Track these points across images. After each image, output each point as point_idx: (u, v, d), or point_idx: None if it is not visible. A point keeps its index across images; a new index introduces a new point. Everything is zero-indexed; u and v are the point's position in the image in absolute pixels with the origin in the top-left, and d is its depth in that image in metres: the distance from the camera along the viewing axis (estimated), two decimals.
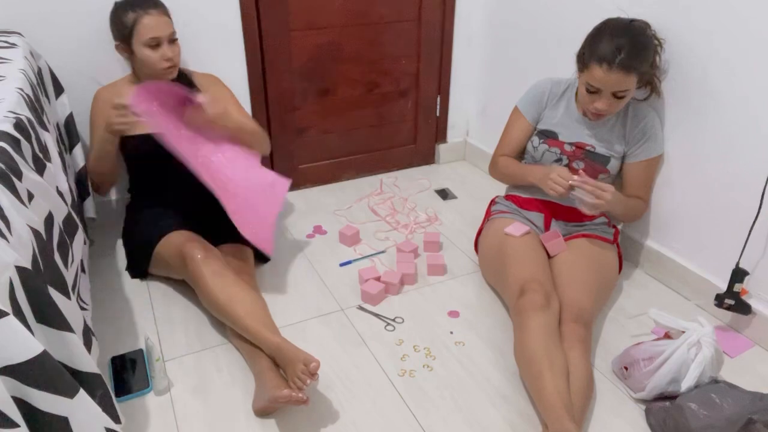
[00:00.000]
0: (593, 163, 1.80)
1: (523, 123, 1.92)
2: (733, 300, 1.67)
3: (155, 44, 1.80)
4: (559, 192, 1.68)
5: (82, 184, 1.89)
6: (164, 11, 1.83)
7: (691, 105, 1.76)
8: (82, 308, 1.37)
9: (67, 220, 1.38)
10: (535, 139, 1.88)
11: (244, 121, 1.95)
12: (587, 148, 1.81)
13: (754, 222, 1.61)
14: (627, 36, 1.61)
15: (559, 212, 1.86)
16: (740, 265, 1.65)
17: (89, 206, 1.92)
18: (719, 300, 1.68)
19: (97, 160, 1.88)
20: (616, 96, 1.65)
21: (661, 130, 1.82)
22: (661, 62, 1.75)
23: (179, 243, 1.73)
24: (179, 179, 1.89)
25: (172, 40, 1.85)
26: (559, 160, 1.84)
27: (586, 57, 1.66)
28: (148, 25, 1.78)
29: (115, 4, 1.84)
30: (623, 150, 1.81)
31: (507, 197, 1.99)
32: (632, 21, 1.67)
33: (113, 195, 2.26)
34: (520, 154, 1.97)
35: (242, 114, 2.05)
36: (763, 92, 1.57)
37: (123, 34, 1.81)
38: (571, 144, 1.82)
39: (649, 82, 1.77)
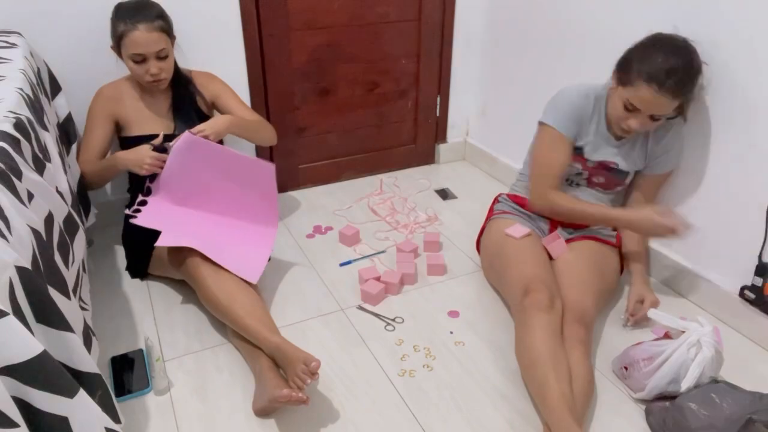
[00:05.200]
0: (613, 177, 1.79)
1: (566, 144, 1.73)
2: (753, 294, 1.66)
3: (140, 60, 1.80)
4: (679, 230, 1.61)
5: (84, 195, 1.89)
6: (158, 26, 1.78)
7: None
8: (83, 308, 1.37)
9: (68, 220, 1.38)
10: None
11: (246, 123, 1.99)
12: (611, 165, 1.78)
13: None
14: (682, 58, 1.53)
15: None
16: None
17: (91, 214, 1.94)
18: (741, 291, 1.68)
19: (101, 177, 1.92)
20: (653, 118, 1.60)
21: (681, 146, 1.77)
22: (700, 90, 1.66)
23: None
24: None
25: (162, 57, 1.82)
26: (579, 174, 1.81)
27: (632, 73, 1.56)
28: (135, 41, 1.76)
29: (116, 5, 1.82)
30: (643, 165, 1.79)
31: (510, 196, 1.99)
32: (685, 40, 1.56)
33: (113, 195, 2.26)
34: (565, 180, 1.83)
35: (243, 107, 2.06)
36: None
37: (114, 40, 1.81)
38: (594, 162, 1.78)
39: (682, 106, 1.66)
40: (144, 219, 1.76)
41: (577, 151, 1.78)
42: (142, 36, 1.76)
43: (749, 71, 1.58)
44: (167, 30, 1.82)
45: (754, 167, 1.62)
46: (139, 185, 1.93)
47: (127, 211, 1.82)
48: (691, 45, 1.57)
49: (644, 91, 1.54)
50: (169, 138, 1.89)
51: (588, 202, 1.79)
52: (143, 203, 1.83)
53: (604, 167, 1.79)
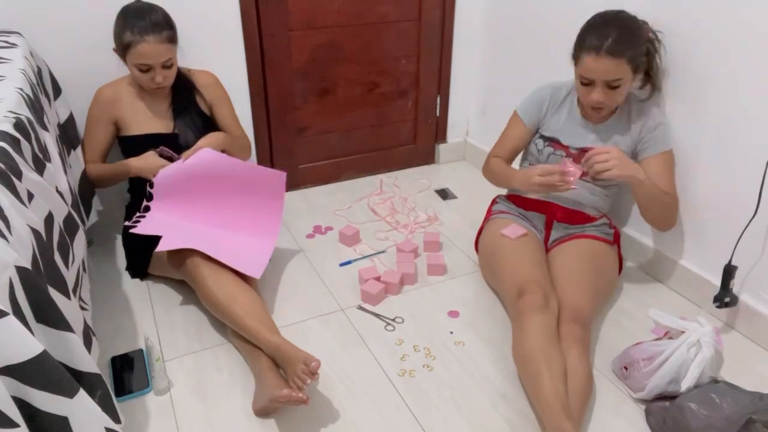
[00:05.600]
0: None
1: (520, 127, 1.91)
2: (729, 297, 1.67)
3: (147, 69, 1.79)
4: (550, 182, 1.67)
5: (86, 188, 1.89)
6: (166, 37, 1.77)
7: (691, 103, 1.76)
8: (83, 308, 1.37)
9: (68, 220, 1.38)
10: (539, 142, 1.87)
11: (233, 140, 2.01)
12: None
13: (750, 221, 1.61)
14: (614, 23, 1.62)
15: (560, 214, 1.86)
16: (734, 263, 1.66)
17: (95, 202, 1.96)
18: (719, 300, 1.68)
19: (108, 181, 1.94)
20: (610, 86, 1.65)
21: (667, 126, 1.78)
22: (660, 58, 1.73)
23: None
24: None
25: (167, 66, 1.82)
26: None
27: (577, 50, 1.67)
28: (142, 52, 1.75)
29: (122, 10, 1.80)
30: (631, 149, 1.79)
31: (508, 197, 1.99)
32: (620, 11, 1.67)
33: (113, 195, 2.25)
34: (513, 158, 1.97)
35: (233, 122, 2.08)
36: (762, 91, 1.57)
37: (119, 46, 1.80)
38: (576, 149, 1.81)
39: (648, 75, 1.75)
40: (144, 227, 1.77)
41: (554, 140, 1.84)
42: (150, 48, 1.75)
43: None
44: (174, 39, 1.81)
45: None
46: (140, 186, 1.93)
47: (126, 223, 1.84)
48: (625, 12, 1.66)
49: (588, 61, 1.63)
50: (169, 138, 1.90)
51: (509, 167, 1.93)
52: (146, 209, 1.84)
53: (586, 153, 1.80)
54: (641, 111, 1.78)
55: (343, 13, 2.38)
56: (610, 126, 1.79)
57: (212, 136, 1.89)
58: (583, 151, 1.80)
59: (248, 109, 2.37)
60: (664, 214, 1.79)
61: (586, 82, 1.67)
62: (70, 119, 1.90)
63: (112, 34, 1.81)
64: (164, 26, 1.78)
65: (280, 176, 1.93)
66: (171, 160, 1.86)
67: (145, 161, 1.85)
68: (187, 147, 1.88)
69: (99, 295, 1.88)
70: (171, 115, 1.95)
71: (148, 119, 1.94)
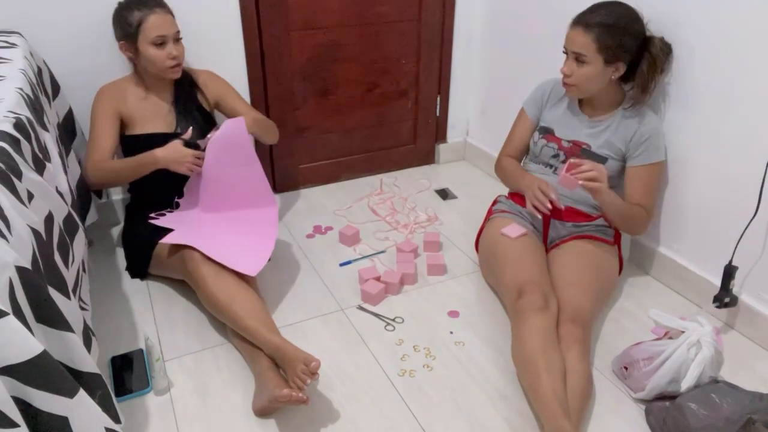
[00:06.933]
0: (588, 161, 1.79)
1: (526, 121, 1.96)
2: (729, 297, 1.68)
3: (161, 42, 1.81)
4: (540, 208, 1.71)
5: (85, 191, 1.89)
6: (168, 10, 1.85)
7: (690, 103, 1.76)
8: (83, 308, 1.37)
9: (68, 220, 1.38)
10: (536, 134, 1.92)
11: (264, 123, 2.03)
12: (583, 146, 1.81)
13: (750, 221, 1.61)
14: (604, 5, 1.67)
15: (559, 212, 1.86)
16: (734, 263, 1.66)
17: (92, 212, 1.94)
18: (719, 300, 1.68)
19: (125, 178, 1.91)
20: (578, 60, 1.69)
21: (662, 137, 1.79)
22: (656, 64, 1.70)
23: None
24: (179, 180, 1.89)
25: (177, 39, 1.86)
26: (556, 156, 1.85)
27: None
28: (155, 23, 1.79)
29: (119, 3, 1.84)
30: (622, 151, 1.80)
31: (509, 196, 1.99)
32: (620, 2, 1.70)
33: (113, 195, 2.26)
34: (524, 153, 2.00)
35: (248, 108, 2.08)
36: (762, 91, 1.57)
37: (128, 33, 1.81)
38: (568, 141, 1.83)
39: (639, 76, 1.72)
40: (164, 220, 1.81)
41: (550, 132, 1.88)
42: (161, 18, 1.80)
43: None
44: (174, 17, 1.87)
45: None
46: (141, 186, 1.94)
47: (152, 215, 1.87)
48: (624, 4, 1.69)
49: (567, 33, 1.71)
50: (172, 137, 1.90)
51: (520, 168, 1.94)
52: (177, 206, 1.88)
53: (578, 147, 1.82)
54: (638, 114, 1.78)
55: (343, 13, 2.38)
56: (605, 124, 1.80)
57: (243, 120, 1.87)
58: (575, 144, 1.81)
59: None
60: (629, 222, 1.79)
61: (564, 52, 1.73)
62: (69, 114, 1.90)
63: (115, 31, 1.83)
64: (164, 2, 1.85)
65: (236, 122, 1.82)
66: (197, 147, 1.82)
67: (174, 151, 1.79)
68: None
69: (99, 295, 1.88)
70: (173, 113, 1.95)
71: (151, 118, 1.94)
